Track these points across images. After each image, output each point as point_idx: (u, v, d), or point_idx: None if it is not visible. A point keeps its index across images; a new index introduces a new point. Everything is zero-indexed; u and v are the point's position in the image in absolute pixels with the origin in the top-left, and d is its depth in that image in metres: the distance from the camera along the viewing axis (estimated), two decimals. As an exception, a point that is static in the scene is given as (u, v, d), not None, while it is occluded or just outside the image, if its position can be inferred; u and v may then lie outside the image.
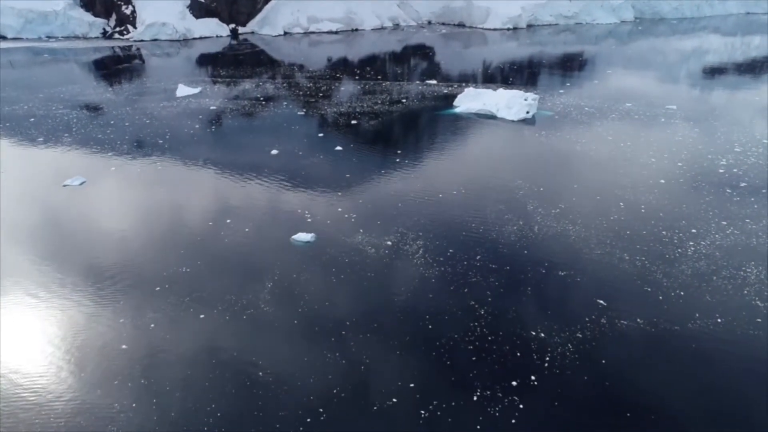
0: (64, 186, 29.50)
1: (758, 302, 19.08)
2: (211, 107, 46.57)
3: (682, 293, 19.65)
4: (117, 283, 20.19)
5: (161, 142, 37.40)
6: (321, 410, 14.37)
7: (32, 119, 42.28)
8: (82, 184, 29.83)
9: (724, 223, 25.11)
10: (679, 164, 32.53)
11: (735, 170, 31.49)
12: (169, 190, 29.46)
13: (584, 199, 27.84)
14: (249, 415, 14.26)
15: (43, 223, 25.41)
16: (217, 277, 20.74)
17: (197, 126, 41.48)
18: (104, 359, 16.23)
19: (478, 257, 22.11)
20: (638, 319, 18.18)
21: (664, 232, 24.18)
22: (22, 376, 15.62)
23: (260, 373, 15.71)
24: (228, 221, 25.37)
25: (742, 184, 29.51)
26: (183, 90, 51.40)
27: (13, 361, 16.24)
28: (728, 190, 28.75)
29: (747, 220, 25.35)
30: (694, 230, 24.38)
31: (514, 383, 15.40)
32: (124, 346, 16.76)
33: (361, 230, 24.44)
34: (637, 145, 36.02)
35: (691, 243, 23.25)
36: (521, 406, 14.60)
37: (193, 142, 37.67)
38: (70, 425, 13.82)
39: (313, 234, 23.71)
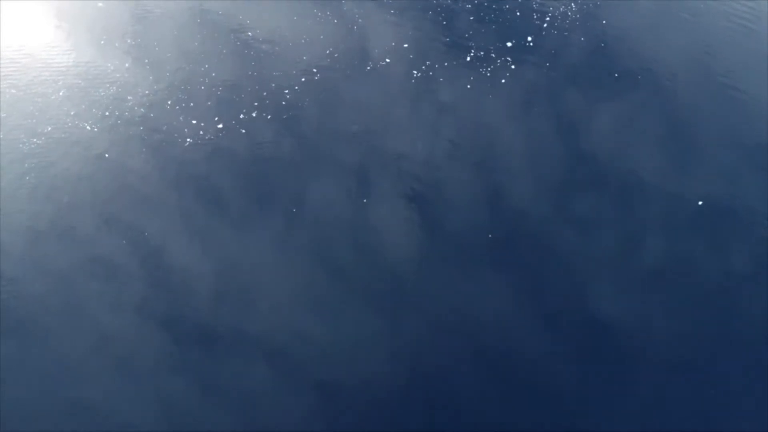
0: None
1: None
2: None
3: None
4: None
5: None
6: (315, 71, 14.51)
7: None
8: None
9: None
10: None
11: None
12: None
13: None
14: (245, 78, 14.42)
15: None
16: None
17: None
18: (85, 19, 15.47)
19: None
20: (653, -24, 16.80)
21: None
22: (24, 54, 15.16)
23: (250, 33, 15.26)
24: None
25: None
26: None
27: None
28: None
29: None
30: None
31: (509, 44, 15.20)
32: (100, 4, 15.77)
33: None
34: None
35: None
36: (513, 66, 14.73)
37: None
38: (69, 82, 14.09)
39: None
